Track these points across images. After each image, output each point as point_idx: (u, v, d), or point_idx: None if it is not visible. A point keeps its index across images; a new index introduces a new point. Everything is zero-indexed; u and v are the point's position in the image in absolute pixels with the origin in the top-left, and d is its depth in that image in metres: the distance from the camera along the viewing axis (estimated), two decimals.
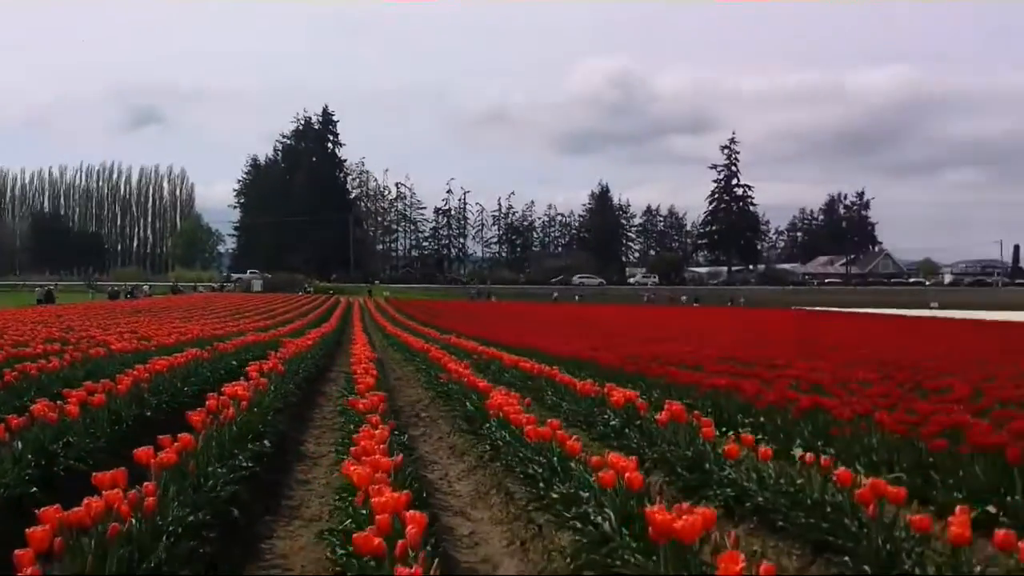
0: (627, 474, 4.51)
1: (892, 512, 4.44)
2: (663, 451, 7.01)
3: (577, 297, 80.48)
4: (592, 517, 4.81)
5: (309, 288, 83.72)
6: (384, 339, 25.80)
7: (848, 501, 4.73)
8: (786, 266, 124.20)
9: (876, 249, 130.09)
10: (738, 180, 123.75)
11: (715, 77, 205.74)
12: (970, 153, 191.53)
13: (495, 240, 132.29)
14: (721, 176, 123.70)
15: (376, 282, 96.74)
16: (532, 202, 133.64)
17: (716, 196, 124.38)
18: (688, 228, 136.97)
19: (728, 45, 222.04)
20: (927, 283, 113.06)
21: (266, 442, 7.23)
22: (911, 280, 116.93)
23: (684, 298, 77.38)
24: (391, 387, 13.42)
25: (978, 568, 3.81)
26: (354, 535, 3.51)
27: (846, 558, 4.47)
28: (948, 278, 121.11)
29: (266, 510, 6.15)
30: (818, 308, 62.94)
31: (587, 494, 5.21)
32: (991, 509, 5.20)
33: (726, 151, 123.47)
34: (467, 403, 9.89)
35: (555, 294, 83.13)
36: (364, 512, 4.39)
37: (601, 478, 4.69)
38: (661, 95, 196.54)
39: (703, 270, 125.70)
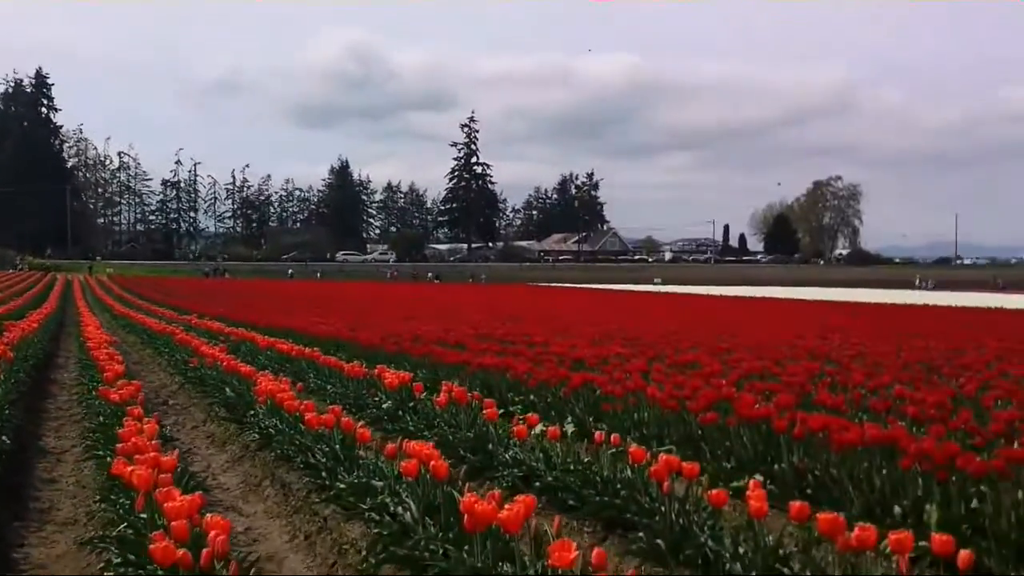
0: (432, 462, 4.38)
1: (684, 487, 4.61)
2: (443, 433, 6.94)
3: (319, 274, 78.96)
4: (391, 508, 4.65)
5: (22, 265, 76.60)
6: (112, 320, 24.02)
7: (640, 477, 4.87)
8: (523, 243, 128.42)
9: (604, 228, 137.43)
10: (477, 158, 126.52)
11: (454, 56, 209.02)
12: (688, 138, 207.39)
13: (229, 215, 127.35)
14: (461, 154, 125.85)
15: (98, 258, 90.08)
16: (269, 176, 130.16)
17: (456, 174, 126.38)
18: (429, 205, 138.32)
19: (467, 25, 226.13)
20: (650, 260, 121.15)
21: (4, 438, 6.46)
22: (636, 257, 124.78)
23: (430, 275, 78.03)
24: (130, 373, 12.49)
25: (770, 538, 4.01)
26: (151, 546, 3.15)
27: (640, 534, 4.59)
28: (668, 255, 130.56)
29: (14, 515, 5.48)
30: (555, 284, 65.61)
31: (381, 483, 5.04)
32: (758, 477, 5.54)
33: (466, 129, 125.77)
34: (227, 389, 9.36)
35: (291, 271, 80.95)
36: (144, 516, 3.99)
37: (403, 467, 4.52)
38: (401, 71, 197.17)
39: (443, 247, 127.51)
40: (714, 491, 4.16)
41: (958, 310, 28.83)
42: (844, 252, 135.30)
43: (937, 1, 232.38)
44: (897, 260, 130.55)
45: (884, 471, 4.97)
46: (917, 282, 69.65)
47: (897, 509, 4.74)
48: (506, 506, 3.43)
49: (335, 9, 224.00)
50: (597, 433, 5.63)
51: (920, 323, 20.23)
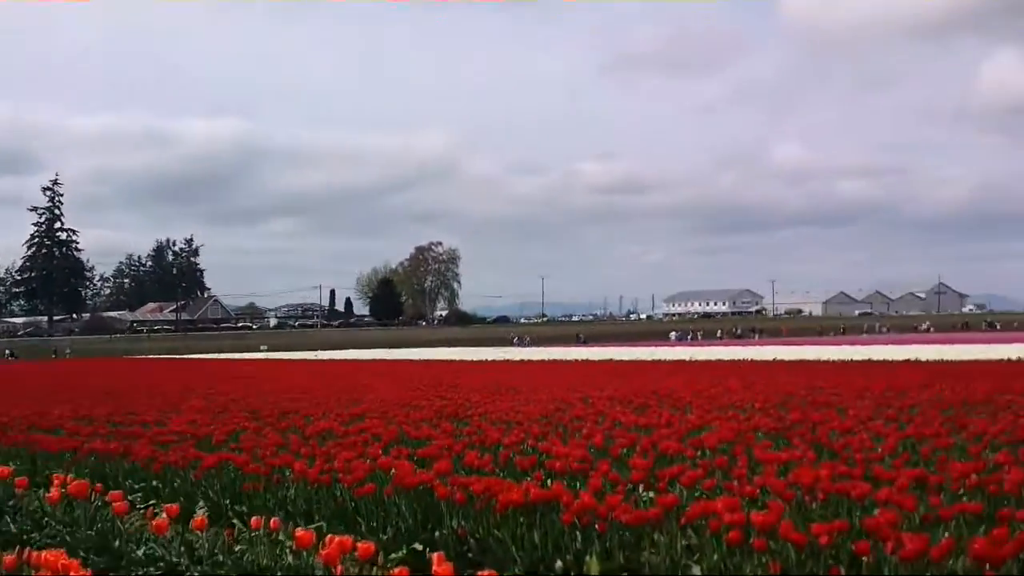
0: (71, 573, 3.71)
1: (357, 567, 4.35)
2: (58, 534, 6.02)
3: None
4: None
5: None
6: None
7: (307, 561, 4.52)
8: (114, 314, 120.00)
9: (205, 295, 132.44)
10: (61, 224, 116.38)
11: (34, 113, 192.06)
12: (293, 204, 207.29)
13: None
14: (42, 219, 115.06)
15: None
16: None
17: (36, 241, 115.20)
18: (2, 276, 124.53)
19: (51, 81, 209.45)
20: (254, 327, 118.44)
21: None
22: (240, 325, 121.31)
23: (7, 352, 69.82)
24: None
25: None
26: None
27: None
28: (273, 321, 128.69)
29: None
30: (152, 356, 61.63)
31: None
32: (418, 547, 5.41)
33: (48, 193, 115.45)
34: None
35: None
36: None
37: None
38: None
39: (19, 320, 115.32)
40: (396, 569, 3.95)
41: (554, 364, 31.23)
42: (443, 313, 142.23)
43: (508, 78, 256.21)
44: (490, 319, 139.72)
45: (543, 528, 5.07)
46: (515, 340, 74.79)
47: (559, 564, 4.84)
48: None
49: None
50: (254, 518, 5.17)
51: (525, 378, 21.51)
